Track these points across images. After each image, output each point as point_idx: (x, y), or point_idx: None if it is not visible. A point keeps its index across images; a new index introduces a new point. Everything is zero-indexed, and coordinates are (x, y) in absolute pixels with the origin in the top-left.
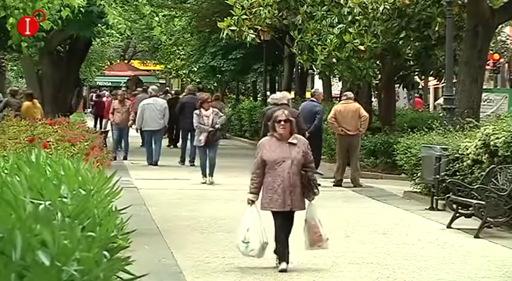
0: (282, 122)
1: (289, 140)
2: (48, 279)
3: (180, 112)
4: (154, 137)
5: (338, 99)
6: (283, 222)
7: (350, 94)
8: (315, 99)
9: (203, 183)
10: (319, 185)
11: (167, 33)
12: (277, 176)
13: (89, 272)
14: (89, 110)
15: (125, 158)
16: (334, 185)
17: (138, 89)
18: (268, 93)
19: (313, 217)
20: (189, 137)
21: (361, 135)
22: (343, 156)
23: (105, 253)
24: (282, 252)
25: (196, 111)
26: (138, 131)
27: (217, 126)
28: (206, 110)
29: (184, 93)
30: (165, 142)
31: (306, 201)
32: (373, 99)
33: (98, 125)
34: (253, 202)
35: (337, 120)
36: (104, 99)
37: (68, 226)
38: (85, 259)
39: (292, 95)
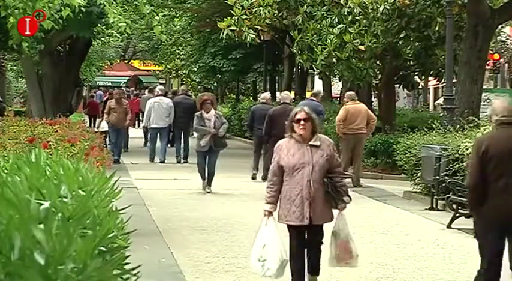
0: (302, 121)
1: (311, 142)
2: (44, 278)
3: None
4: (161, 135)
5: (338, 99)
6: (303, 239)
7: (354, 95)
8: (315, 99)
9: (204, 189)
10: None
11: (167, 33)
12: (296, 184)
13: (84, 270)
14: (84, 110)
15: (117, 161)
16: None
17: (135, 92)
18: (268, 93)
19: (343, 230)
20: (182, 135)
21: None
22: (347, 156)
23: (105, 252)
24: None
25: (197, 114)
26: (145, 129)
27: (221, 134)
28: (207, 112)
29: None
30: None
31: (335, 211)
32: (373, 99)
33: (92, 125)
34: (270, 213)
35: (345, 121)
36: (105, 99)
37: (66, 226)
38: (80, 256)
39: (292, 95)
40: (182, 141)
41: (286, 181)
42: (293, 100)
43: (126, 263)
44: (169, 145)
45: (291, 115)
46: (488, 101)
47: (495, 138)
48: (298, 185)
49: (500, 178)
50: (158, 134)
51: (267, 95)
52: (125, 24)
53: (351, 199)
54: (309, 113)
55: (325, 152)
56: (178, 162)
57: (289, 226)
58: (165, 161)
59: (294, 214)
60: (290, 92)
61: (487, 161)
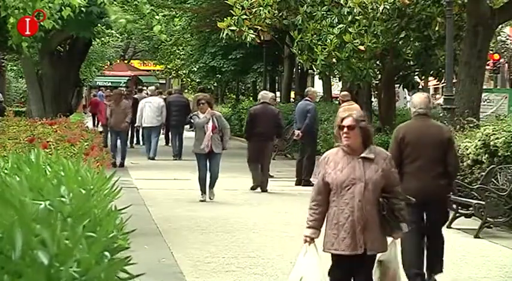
0: (345, 129)
1: (363, 154)
2: (47, 279)
3: (167, 111)
4: (152, 134)
5: (338, 99)
6: (351, 271)
7: (349, 95)
8: (308, 99)
9: (202, 201)
10: None
11: (167, 33)
12: (345, 205)
13: (88, 272)
14: (88, 109)
15: (122, 165)
16: None
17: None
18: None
19: (394, 262)
20: (176, 133)
21: None
22: None
23: (106, 253)
24: None
25: (195, 113)
26: (139, 128)
27: (226, 140)
28: (202, 112)
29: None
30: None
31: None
32: (373, 99)
33: (96, 123)
34: (311, 240)
35: None
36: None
37: (67, 226)
38: (84, 259)
39: (292, 95)
40: (177, 139)
41: (334, 201)
42: (292, 100)
43: (129, 264)
44: (168, 144)
45: (337, 120)
46: (488, 101)
47: (412, 126)
48: (348, 206)
49: (415, 161)
50: (150, 133)
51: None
52: (124, 20)
53: (408, 227)
54: (357, 119)
55: (381, 166)
56: (175, 159)
57: (335, 256)
58: (155, 158)
59: (343, 242)
60: (290, 92)
61: (403, 146)
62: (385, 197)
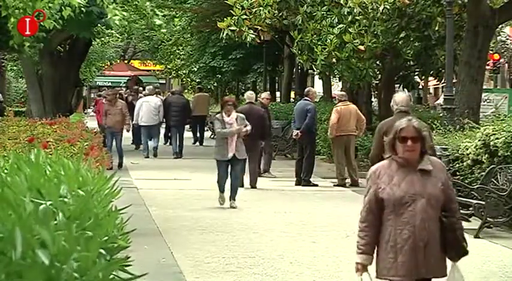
0: (409, 142)
1: (421, 166)
2: (47, 279)
3: (167, 111)
4: (151, 132)
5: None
6: None
7: (345, 95)
8: (308, 99)
9: (221, 204)
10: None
11: (167, 33)
12: (404, 224)
13: (87, 271)
14: (90, 109)
15: (120, 166)
16: (337, 185)
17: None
18: (267, 93)
19: None
20: (176, 132)
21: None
22: (342, 156)
23: (105, 253)
24: None
25: (218, 116)
26: (131, 127)
27: (242, 134)
28: (228, 115)
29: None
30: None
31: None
32: (373, 99)
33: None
34: (364, 267)
35: (338, 122)
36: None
37: (67, 226)
38: (84, 258)
39: (292, 95)
40: (177, 138)
41: (389, 220)
42: (292, 100)
43: (129, 265)
44: (167, 143)
45: (394, 130)
46: (488, 101)
47: (394, 122)
48: (408, 226)
49: None
50: (149, 132)
51: (263, 94)
52: (118, 17)
53: (467, 245)
54: (419, 129)
55: (440, 180)
56: (176, 158)
57: None
58: (157, 156)
59: (403, 267)
60: (290, 92)
61: None
62: (445, 216)
